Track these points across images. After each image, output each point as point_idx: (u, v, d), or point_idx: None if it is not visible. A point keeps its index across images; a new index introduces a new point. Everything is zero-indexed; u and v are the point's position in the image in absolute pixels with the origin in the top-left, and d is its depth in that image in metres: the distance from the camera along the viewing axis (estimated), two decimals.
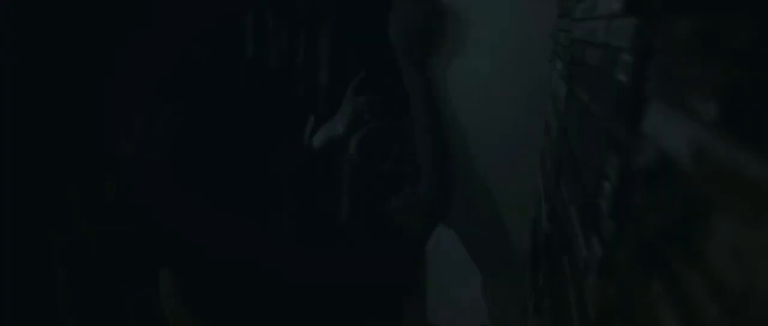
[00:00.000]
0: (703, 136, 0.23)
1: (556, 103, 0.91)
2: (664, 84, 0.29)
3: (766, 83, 0.19)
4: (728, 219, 0.19)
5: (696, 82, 0.25)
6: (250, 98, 1.19)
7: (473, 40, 1.17)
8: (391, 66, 1.18)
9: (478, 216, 1.31)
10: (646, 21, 0.34)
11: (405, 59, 0.92)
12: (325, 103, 1.21)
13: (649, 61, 0.32)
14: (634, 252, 0.30)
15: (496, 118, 1.21)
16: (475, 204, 1.31)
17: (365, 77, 0.99)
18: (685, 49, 0.27)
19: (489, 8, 1.16)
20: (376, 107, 0.96)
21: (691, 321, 0.21)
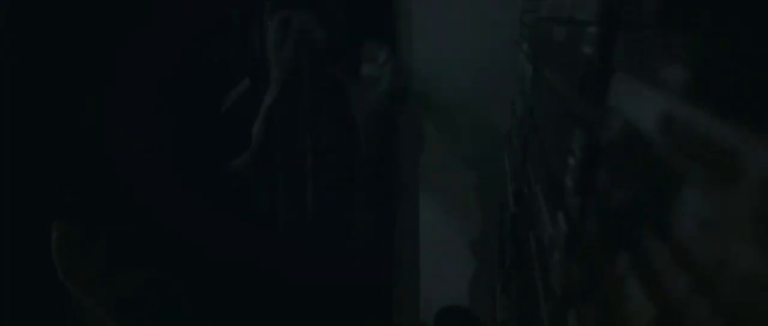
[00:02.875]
0: (670, 107, 0.22)
1: (522, 83, 0.92)
2: (631, 55, 0.28)
3: (733, 52, 0.18)
4: (697, 189, 0.19)
5: (663, 52, 0.24)
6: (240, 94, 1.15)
7: (438, 25, 1.16)
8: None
9: (446, 200, 1.32)
10: None
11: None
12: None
13: (616, 33, 0.31)
14: (600, 228, 0.29)
15: (462, 102, 1.21)
16: (443, 188, 1.32)
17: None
18: (652, 19, 0.26)
19: None
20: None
21: (660, 295, 0.20)
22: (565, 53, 0.47)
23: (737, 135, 0.17)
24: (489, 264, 1.21)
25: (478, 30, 1.15)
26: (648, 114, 0.24)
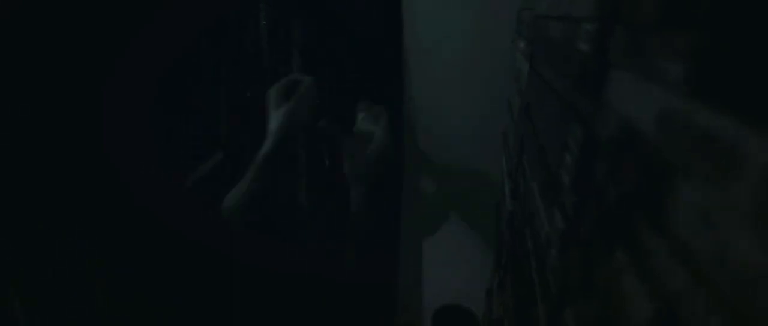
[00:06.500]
0: (667, 102, 0.22)
1: (519, 81, 0.92)
2: (627, 51, 0.28)
3: (730, 48, 0.18)
4: (694, 185, 0.19)
5: (660, 49, 0.24)
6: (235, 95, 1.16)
7: (437, 24, 1.16)
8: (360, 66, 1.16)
9: (444, 199, 1.32)
10: None
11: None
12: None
13: (612, 29, 0.31)
14: (596, 224, 0.29)
15: (460, 101, 1.21)
16: (440, 187, 1.32)
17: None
18: (649, 15, 0.26)
19: None
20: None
21: (657, 291, 0.20)
22: (561, 50, 0.47)
23: (734, 130, 0.17)
24: (486, 262, 1.21)
25: (477, 28, 1.15)
26: (644, 110, 0.24)
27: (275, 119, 0.79)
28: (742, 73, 0.17)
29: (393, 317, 1.35)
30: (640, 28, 0.27)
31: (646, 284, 0.21)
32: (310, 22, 1.20)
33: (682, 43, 0.21)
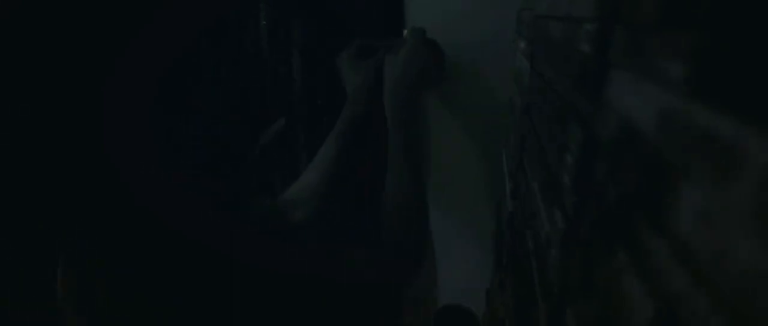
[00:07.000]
0: (668, 101, 0.22)
1: (520, 81, 0.92)
2: (628, 51, 0.28)
3: (732, 47, 0.18)
4: (697, 185, 0.19)
5: (661, 48, 0.24)
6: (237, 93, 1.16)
7: (436, 22, 1.16)
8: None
9: (444, 198, 1.32)
10: None
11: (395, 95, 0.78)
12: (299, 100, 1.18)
13: (612, 29, 0.31)
14: (597, 225, 0.29)
15: (459, 100, 1.21)
16: (440, 187, 1.32)
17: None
18: (649, 15, 0.26)
19: None
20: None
21: (658, 292, 0.20)
22: (562, 50, 0.47)
23: (734, 130, 0.17)
24: (486, 262, 1.21)
25: (477, 28, 1.15)
26: (644, 110, 0.24)
27: (360, 78, 0.75)
28: (742, 73, 0.17)
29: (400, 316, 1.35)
30: (640, 28, 0.27)
31: (646, 284, 0.21)
32: (310, 22, 1.20)
33: (682, 43, 0.21)
